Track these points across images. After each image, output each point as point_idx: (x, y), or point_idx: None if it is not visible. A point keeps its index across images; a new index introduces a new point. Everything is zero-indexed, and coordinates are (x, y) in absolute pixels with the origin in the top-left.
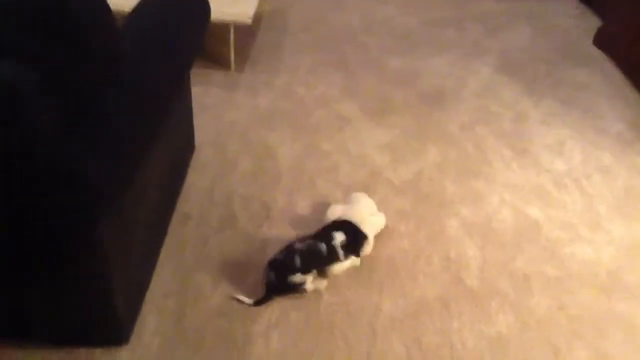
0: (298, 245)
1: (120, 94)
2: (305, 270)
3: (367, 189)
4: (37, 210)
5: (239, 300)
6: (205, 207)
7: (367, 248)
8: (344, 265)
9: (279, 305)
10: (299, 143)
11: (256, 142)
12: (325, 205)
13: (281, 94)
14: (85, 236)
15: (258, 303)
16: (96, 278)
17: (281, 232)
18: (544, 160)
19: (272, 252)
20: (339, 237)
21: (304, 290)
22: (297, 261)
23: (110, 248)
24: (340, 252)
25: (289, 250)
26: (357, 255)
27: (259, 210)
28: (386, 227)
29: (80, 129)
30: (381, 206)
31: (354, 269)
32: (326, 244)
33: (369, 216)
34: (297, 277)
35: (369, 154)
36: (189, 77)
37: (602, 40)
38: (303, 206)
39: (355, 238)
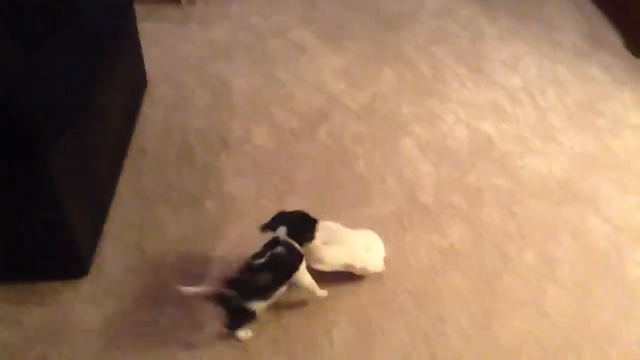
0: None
1: (59, 31)
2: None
3: (324, 115)
4: None
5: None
6: (161, 141)
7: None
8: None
9: (235, 230)
10: (255, 74)
11: (211, 75)
12: (282, 133)
13: (235, 25)
14: (31, 165)
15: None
16: (48, 207)
17: (239, 161)
18: (499, 77)
19: (230, 181)
20: (282, 230)
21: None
22: (265, 277)
23: (61, 177)
24: (294, 243)
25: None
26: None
27: (216, 141)
28: (341, 149)
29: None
30: (338, 131)
31: None
32: (280, 245)
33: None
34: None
35: (325, 80)
36: (133, 12)
37: None
38: (260, 135)
39: (301, 226)
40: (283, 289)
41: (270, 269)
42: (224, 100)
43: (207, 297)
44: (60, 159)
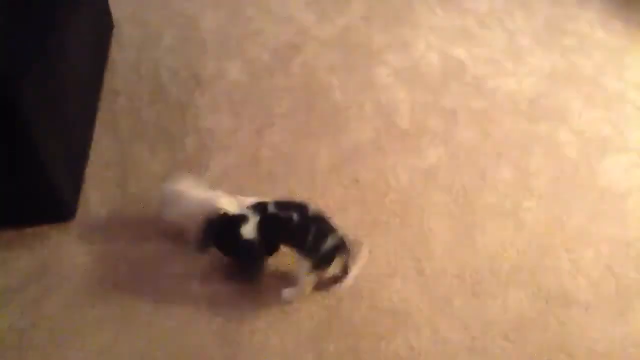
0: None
1: None
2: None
3: (296, 48)
4: None
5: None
6: (133, 82)
7: None
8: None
9: (218, 162)
10: (221, 11)
11: (177, 14)
12: (255, 67)
13: None
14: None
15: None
16: (25, 152)
17: (214, 98)
18: (467, 3)
19: (207, 117)
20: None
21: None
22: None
23: (34, 121)
24: None
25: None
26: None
27: (189, 79)
28: (316, 80)
29: None
30: (311, 63)
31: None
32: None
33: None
34: None
35: (294, 14)
36: None
37: None
38: (234, 71)
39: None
40: None
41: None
42: (193, 38)
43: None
44: (31, 102)
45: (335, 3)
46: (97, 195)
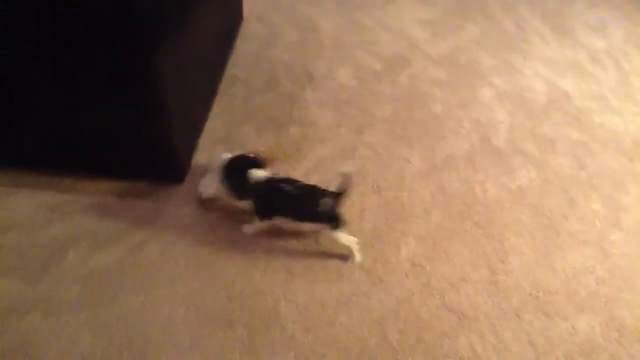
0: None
1: None
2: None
3: (406, 61)
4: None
5: None
6: (252, 72)
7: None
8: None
9: (316, 152)
10: (342, 18)
11: (300, 17)
12: (365, 73)
13: None
14: (146, 61)
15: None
16: (158, 109)
17: (322, 96)
18: (583, 39)
19: (313, 112)
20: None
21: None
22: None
23: (168, 80)
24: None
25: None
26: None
27: (302, 75)
28: (420, 92)
29: None
30: (418, 76)
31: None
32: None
33: None
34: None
35: (409, 29)
36: None
37: None
38: (344, 74)
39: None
40: None
41: None
42: (311, 40)
43: None
44: (165, 69)
45: (450, 25)
46: (204, 163)
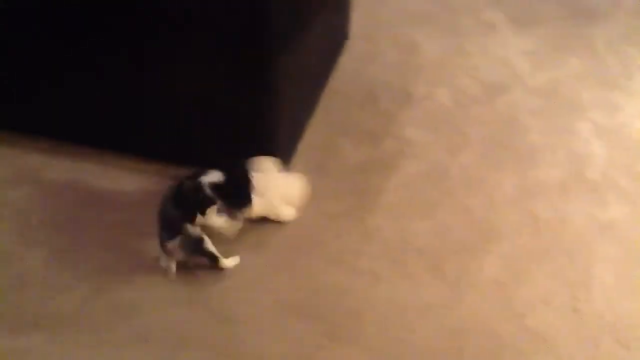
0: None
1: None
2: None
3: (505, 88)
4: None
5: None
6: (352, 86)
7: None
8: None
9: (408, 168)
10: (443, 42)
11: (403, 38)
12: (463, 97)
13: None
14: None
15: None
16: (272, 105)
17: (418, 114)
18: None
19: (409, 129)
20: (211, 177)
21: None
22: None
23: (283, 81)
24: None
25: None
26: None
27: (400, 94)
28: (516, 120)
29: None
30: (516, 104)
31: None
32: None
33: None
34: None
35: (510, 58)
36: None
37: None
38: (442, 96)
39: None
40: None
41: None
42: (412, 62)
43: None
44: (282, 68)
45: (552, 57)
46: (300, 168)
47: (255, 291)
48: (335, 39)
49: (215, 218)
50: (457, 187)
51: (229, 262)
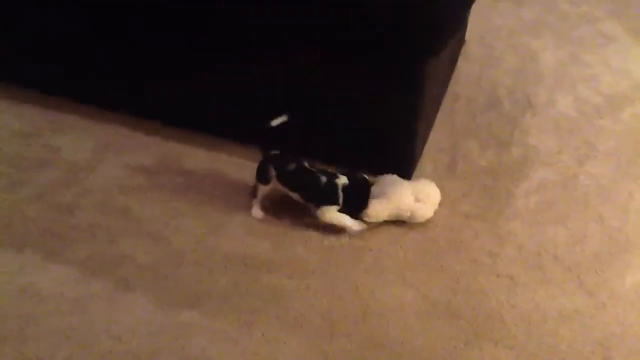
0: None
1: None
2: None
3: (629, 100)
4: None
5: None
6: (473, 90)
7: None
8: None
9: (538, 175)
10: (562, 51)
11: (520, 45)
12: (585, 106)
13: (545, 7)
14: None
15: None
16: (416, 108)
17: (542, 122)
18: None
19: (534, 136)
20: (343, 180)
21: None
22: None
23: (426, 85)
24: (340, 194)
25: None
26: (357, 210)
27: (522, 99)
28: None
29: None
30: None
31: None
32: (328, 178)
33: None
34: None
35: (631, 70)
36: None
37: None
38: (564, 104)
39: (360, 193)
40: None
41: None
42: (531, 68)
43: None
44: (430, 70)
45: None
46: (429, 169)
47: (397, 286)
48: (457, 42)
49: (337, 215)
50: (589, 196)
51: (357, 226)
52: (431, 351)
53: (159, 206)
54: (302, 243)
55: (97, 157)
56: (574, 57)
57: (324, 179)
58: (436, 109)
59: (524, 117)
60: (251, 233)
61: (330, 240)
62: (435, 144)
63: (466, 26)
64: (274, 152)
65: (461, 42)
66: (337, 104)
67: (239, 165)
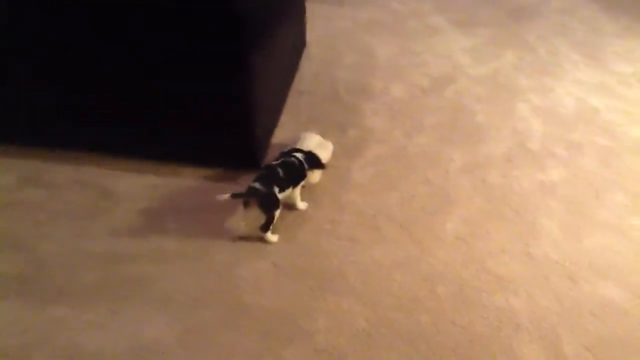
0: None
1: None
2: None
3: (451, 80)
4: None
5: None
6: (314, 86)
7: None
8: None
9: (373, 151)
10: (394, 45)
11: (358, 43)
12: (415, 89)
13: (379, 8)
14: (238, 62)
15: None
16: (248, 102)
17: (377, 106)
18: (611, 64)
19: (369, 119)
20: (300, 155)
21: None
22: (280, 172)
23: (254, 80)
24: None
25: (269, 166)
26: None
27: (359, 91)
28: (463, 105)
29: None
30: (462, 92)
31: None
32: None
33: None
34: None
35: (453, 54)
36: None
37: None
38: (396, 89)
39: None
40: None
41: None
42: (367, 63)
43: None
44: (256, 65)
45: (491, 52)
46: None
47: (252, 260)
48: (295, 45)
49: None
50: (417, 163)
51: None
52: (283, 308)
53: (22, 219)
54: (160, 233)
55: None
56: (405, 48)
57: (295, 162)
58: (282, 104)
59: (361, 104)
60: (113, 233)
61: (188, 228)
62: (282, 135)
63: (305, 32)
64: (250, 189)
65: (298, 45)
66: (183, 106)
67: (99, 175)
